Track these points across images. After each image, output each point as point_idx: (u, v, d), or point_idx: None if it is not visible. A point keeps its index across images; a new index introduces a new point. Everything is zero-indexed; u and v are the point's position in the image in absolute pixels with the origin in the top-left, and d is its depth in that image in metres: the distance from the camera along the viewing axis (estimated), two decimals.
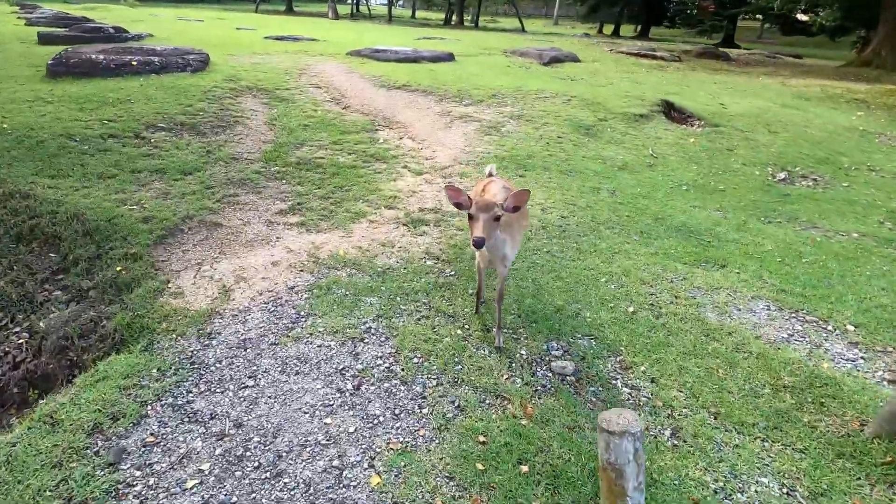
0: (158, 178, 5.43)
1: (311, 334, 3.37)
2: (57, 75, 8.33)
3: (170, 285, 3.92)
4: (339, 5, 42.24)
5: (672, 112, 10.08)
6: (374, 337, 3.35)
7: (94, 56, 8.75)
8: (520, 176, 6.47)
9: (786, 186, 7.05)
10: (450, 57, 14.28)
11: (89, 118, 6.44)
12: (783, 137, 9.07)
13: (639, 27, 43.58)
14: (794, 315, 3.85)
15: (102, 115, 6.60)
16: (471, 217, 2.62)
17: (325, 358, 3.13)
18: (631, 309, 3.70)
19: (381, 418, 2.61)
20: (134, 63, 8.85)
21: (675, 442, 2.60)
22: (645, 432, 2.55)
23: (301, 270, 4.21)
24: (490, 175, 3.71)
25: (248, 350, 3.23)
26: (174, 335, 3.36)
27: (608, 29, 42.96)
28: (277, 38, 16.54)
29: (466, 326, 3.51)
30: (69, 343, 3.53)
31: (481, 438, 2.53)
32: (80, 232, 4.37)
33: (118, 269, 4.03)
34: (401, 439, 2.51)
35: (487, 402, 2.74)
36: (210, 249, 4.45)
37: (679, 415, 2.76)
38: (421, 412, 2.66)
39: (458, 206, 2.70)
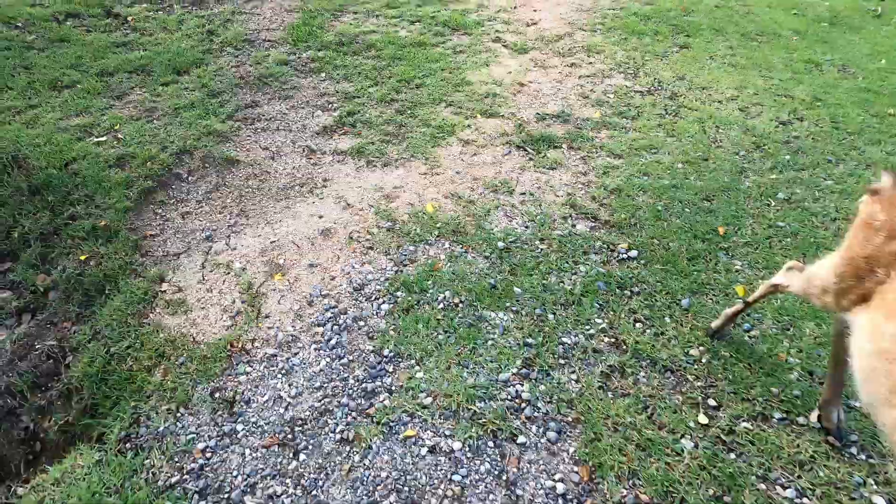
0: (139, 82, 3.60)
1: (410, 415, 1.79)
2: None
3: (164, 287, 2.38)
4: None
5: None
6: (535, 426, 1.74)
7: None
8: (681, 47, 4.11)
9: None
10: None
11: None
12: None
13: None
14: None
15: None
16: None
17: (449, 495, 1.58)
18: None
19: None
20: None
21: None
22: None
23: (370, 248, 2.53)
24: None
25: (302, 456, 1.72)
26: (172, 404, 1.89)
27: None
28: None
29: (726, 405, 1.80)
30: (17, 401, 2.17)
31: None
32: (25, 190, 2.78)
33: (83, 256, 2.50)
34: None
35: None
36: (224, 208, 2.80)
37: None
38: None
39: None
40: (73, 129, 3.12)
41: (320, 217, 2.74)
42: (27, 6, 4.12)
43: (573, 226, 2.60)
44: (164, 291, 2.36)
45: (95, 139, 3.07)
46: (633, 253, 2.41)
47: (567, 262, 2.38)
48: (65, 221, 2.66)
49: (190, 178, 2.94)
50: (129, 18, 4.24)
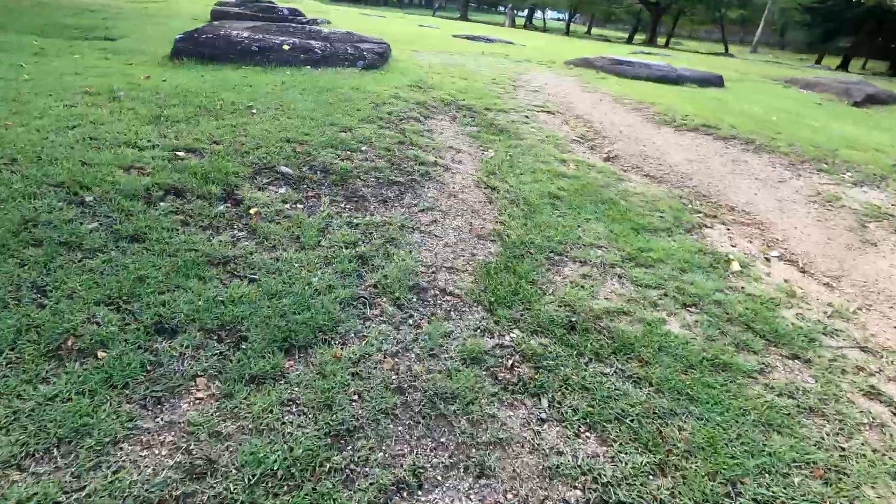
0: (214, 363, 1.84)
1: None
2: (181, 55, 5.62)
3: None
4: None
5: None
6: None
7: (234, 34, 5.93)
8: None
9: None
10: (718, 80, 9.55)
11: (157, 142, 3.24)
12: None
13: (860, 62, 33.07)
14: None
15: (187, 138, 3.38)
16: None
17: None
18: None
19: None
20: (286, 47, 5.84)
21: None
22: None
23: None
24: None
25: None
26: None
27: (830, 62, 32.86)
28: (468, 38, 13.38)
29: None
30: None
31: None
32: None
33: None
34: None
35: None
36: None
37: None
38: None
39: None
40: None
41: None
42: (120, 169, 2.79)
43: None
44: None
45: None
46: None
47: None
48: None
49: None
50: (252, 211, 2.76)
